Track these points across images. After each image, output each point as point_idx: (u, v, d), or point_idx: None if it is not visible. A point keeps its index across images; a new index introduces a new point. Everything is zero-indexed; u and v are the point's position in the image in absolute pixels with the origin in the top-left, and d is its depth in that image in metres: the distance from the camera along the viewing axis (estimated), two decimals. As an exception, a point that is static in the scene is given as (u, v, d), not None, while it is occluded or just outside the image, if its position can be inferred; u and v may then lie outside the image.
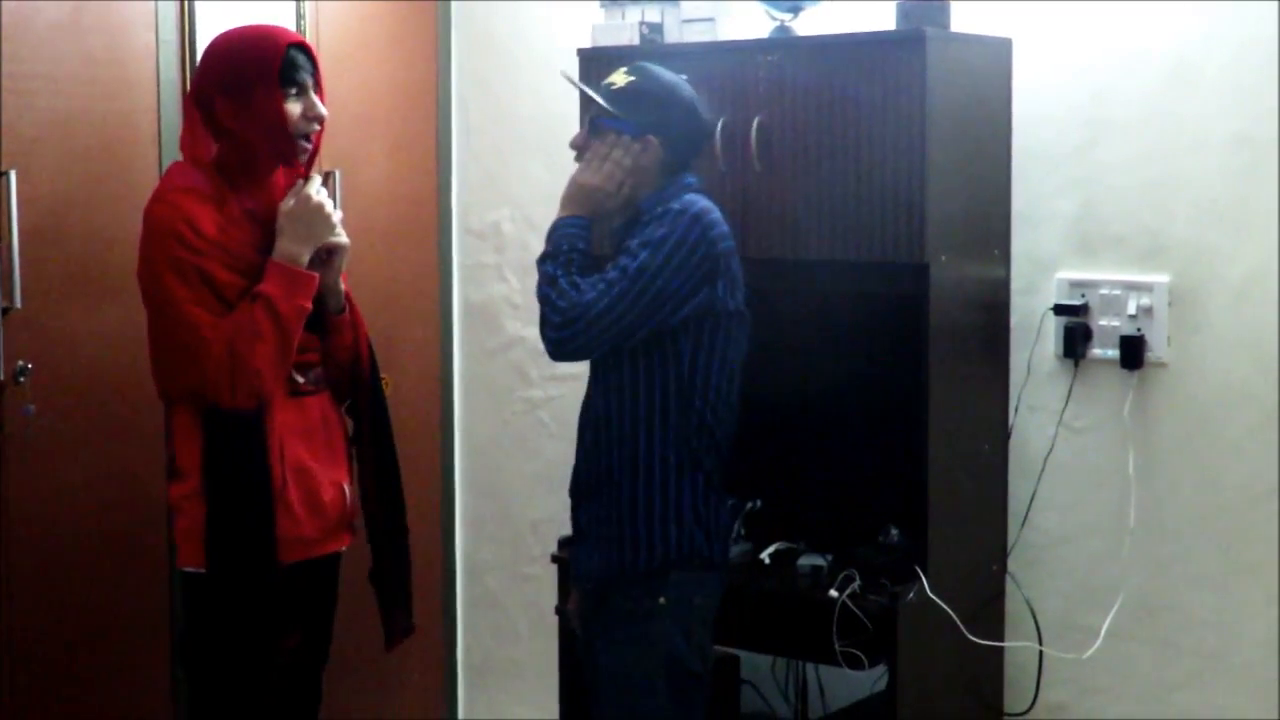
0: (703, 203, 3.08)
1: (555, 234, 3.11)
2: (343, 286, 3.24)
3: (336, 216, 3.16)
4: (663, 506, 3.09)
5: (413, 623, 3.42)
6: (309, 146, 3.12)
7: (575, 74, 3.45)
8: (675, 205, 3.06)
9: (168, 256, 2.99)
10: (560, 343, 3.02)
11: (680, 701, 3.09)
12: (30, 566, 3.57)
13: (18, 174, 3.45)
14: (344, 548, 3.28)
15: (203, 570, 3.03)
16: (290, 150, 3.09)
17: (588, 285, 2.99)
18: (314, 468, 3.16)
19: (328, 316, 3.21)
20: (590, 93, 3.16)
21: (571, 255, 3.05)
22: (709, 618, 3.16)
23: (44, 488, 3.59)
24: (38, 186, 3.52)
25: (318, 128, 3.12)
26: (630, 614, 3.09)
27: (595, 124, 3.15)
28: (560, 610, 3.60)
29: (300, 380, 3.15)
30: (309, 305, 3.08)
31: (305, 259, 3.09)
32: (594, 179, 3.12)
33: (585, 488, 3.18)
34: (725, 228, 3.09)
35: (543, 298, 3.03)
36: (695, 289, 3.04)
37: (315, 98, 3.10)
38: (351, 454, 3.32)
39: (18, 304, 3.46)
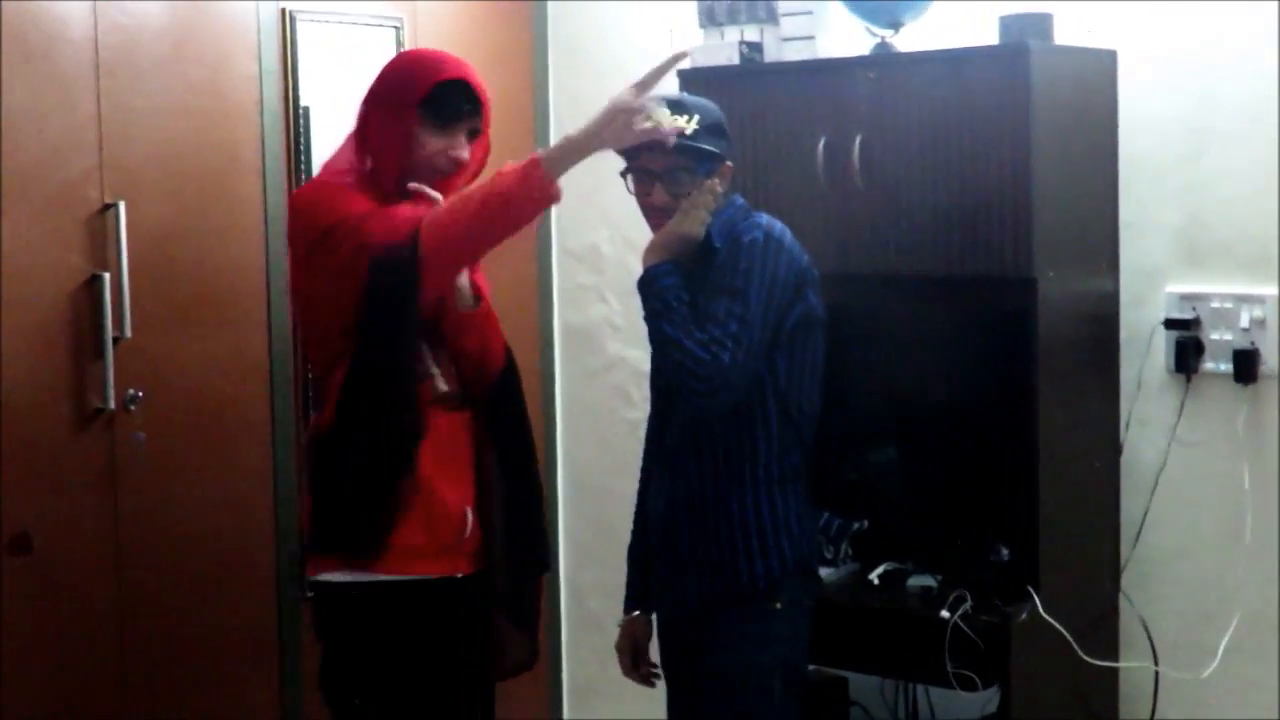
0: (771, 223, 3.12)
1: (656, 287, 3.09)
2: (466, 280, 3.11)
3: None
4: (772, 519, 3.13)
5: (537, 651, 3.33)
6: (440, 180, 3.03)
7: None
8: (750, 235, 3.09)
9: (322, 196, 2.98)
10: (710, 408, 3.06)
11: (794, 701, 3.18)
12: (141, 591, 3.61)
13: (126, 205, 3.50)
14: (461, 574, 3.09)
15: (336, 578, 2.98)
16: (400, 180, 3.00)
17: (716, 346, 3.00)
18: (437, 483, 3.04)
19: (454, 315, 3.10)
20: (703, 146, 3.13)
21: (681, 309, 3.06)
22: (810, 621, 3.25)
23: (154, 513, 3.64)
24: (145, 217, 3.57)
25: (456, 169, 3.05)
26: (746, 619, 3.13)
27: (680, 174, 3.13)
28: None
29: (442, 387, 3.06)
30: (537, 210, 2.95)
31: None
32: (693, 228, 3.11)
33: (677, 515, 3.19)
34: (794, 240, 3.13)
35: (676, 365, 3.03)
36: (791, 308, 3.09)
37: (462, 139, 3.04)
38: (477, 477, 3.18)
39: (128, 333, 3.51)
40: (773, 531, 3.14)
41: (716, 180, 3.12)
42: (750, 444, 3.13)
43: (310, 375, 3.14)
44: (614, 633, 3.46)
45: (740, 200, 3.21)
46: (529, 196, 2.89)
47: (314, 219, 2.96)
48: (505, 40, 4.47)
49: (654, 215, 3.16)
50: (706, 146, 3.11)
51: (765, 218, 3.15)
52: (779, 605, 3.13)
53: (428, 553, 3.03)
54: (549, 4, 4.58)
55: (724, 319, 3.03)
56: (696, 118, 3.11)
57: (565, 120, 4.50)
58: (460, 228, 2.89)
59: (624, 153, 3.16)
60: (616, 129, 2.94)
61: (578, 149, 2.95)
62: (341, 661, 3.03)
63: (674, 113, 3.10)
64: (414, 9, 4.15)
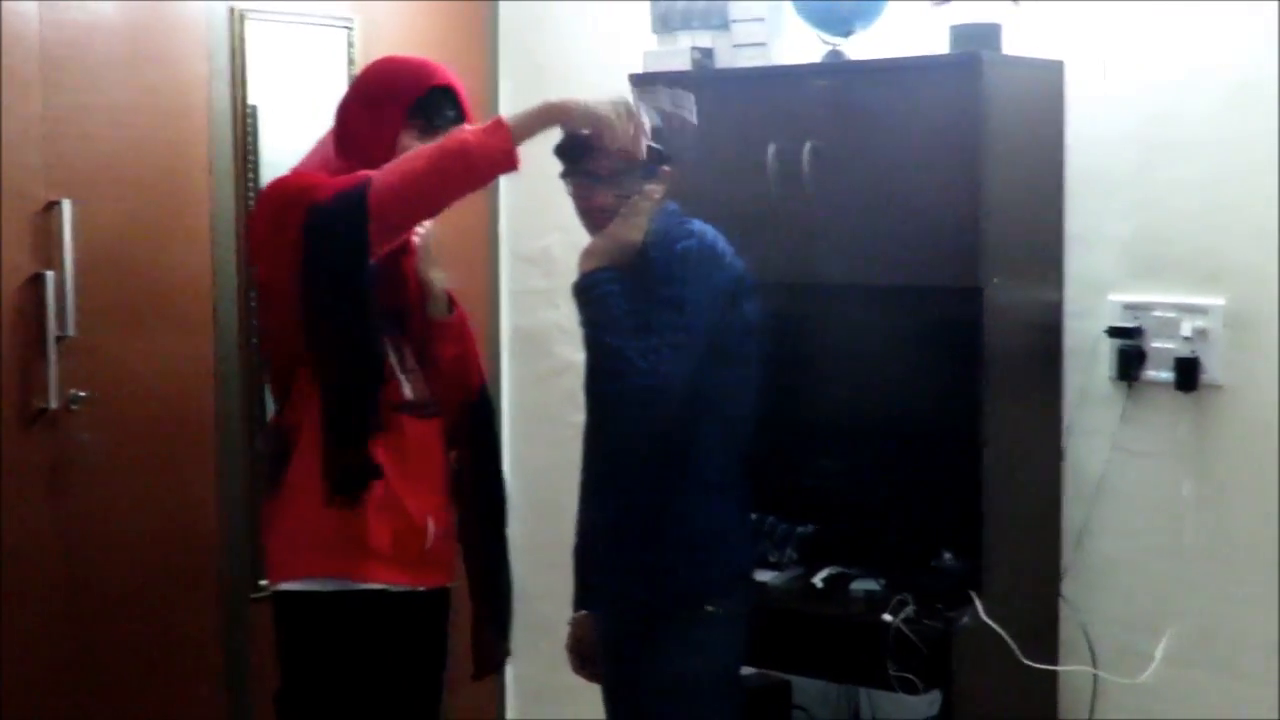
0: (705, 229, 3.13)
1: (595, 294, 3.08)
2: (442, 289, 3.15)
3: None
4: (709, 527, 3.15)
5: (509, 650, 3.38)
6: None
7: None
8: (685, 243, 3.09)
9: (281, 202, 2.91)
10: (650, 417, 3.05)
11: (732, 709, 3.21)
12: (86, 592, 3.59)
13: (75, 204, 3.49)
14: (422, 588, 3.12)
15: (298, 584, 2.97)
16: None
17: (655, 355, 2.99)
18: (399, 489, 3.03)
19: (428, 323, 3.13)
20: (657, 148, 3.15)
21: (621, 318, 3.05)
22: (747, 629, 3.26)
23: (99, 514, 3.62)
24: (92, 216, 3.55)
25: None
26: (682, 627, 3.14)
27: (626, 177, 3.12)
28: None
29: (408, 394, 3.06)
30: (493, 170, 2.92)
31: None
32: (634, 234, 3.11)
33: (615, 522, 3.21)
34: (729, 247, 3.14)
35: (616, 374, 3.02)
36: (728, 316, 3.11)
37: None
38: (448, 486, 3.20)
39: (72, 332, 3.48)
40: (709, 540, 3.15)
41: (657, 186, 3.13)
42: (688, 452, 3.13)
43: (268, 377, 3.11)
44: (564, 636, 3.47)
45: (674, 207, 3.20)
46: (488, 157, 2.88)
47: (274, 200, 2.96)
48: (457, 41, 4.46)
49: (595, 218, 3.14)
50: (656, 147, 3.12)
51: (699, 224, 3.14)
52: (715, 611, 3.14)
53: (393, 561, 3.02)
54: (500, 5, 4.58)
55: (662, 328, 3.02)
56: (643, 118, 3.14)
57: None
58: (413, 180, 2.86)
59: (565, 156, 3.15)
60: (622, 122, 2.96)
61: (544, 120, 2.95)
62: (300, 673, 3.02)
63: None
64: (365, 9, 4.14)
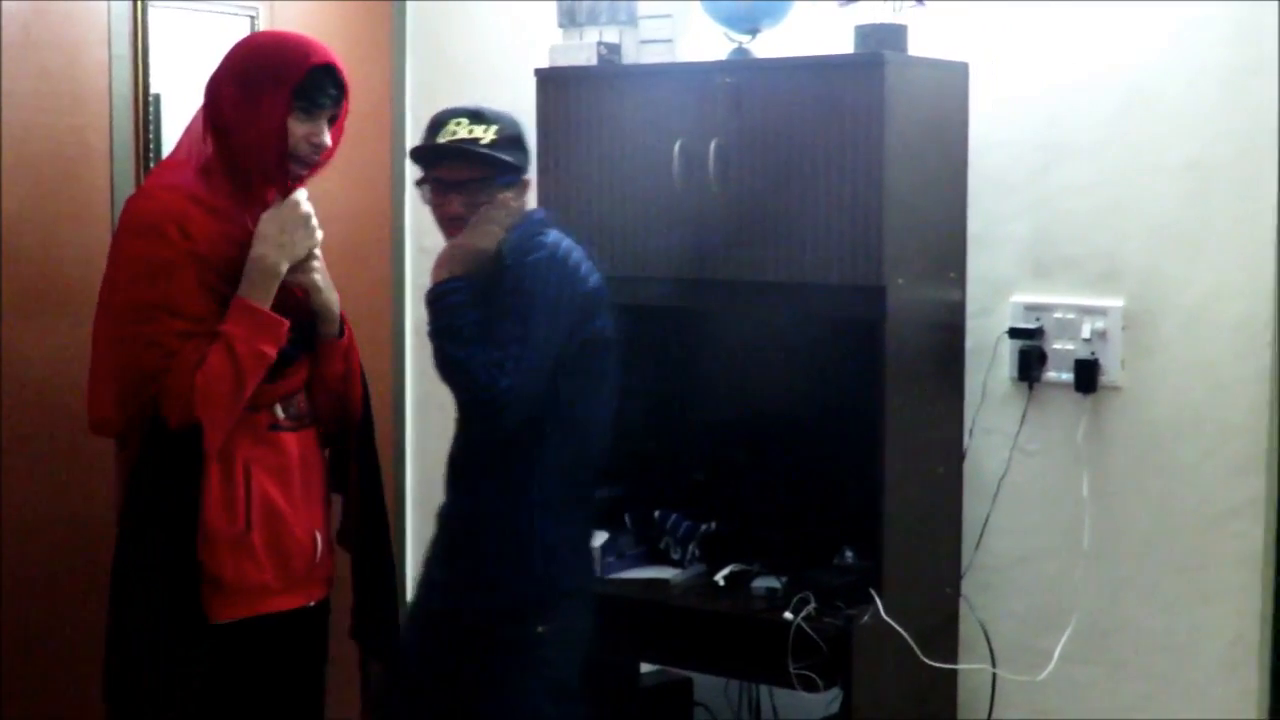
0: (559, 241, 3.15)
1: (442, 304, 3.10)
2: (337, 310, 3.10)
3: (319, 234, 3.03)
4: (544, 544, 3.17)
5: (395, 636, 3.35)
6: (303, 172, 3.00)
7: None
8: (535, 254, 3.11)
9: (147, 255, 2.84)
10: (492, 430, 3.11)
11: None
12: None
13: None
14: (312, 603, 3.11)
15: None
16: (279, 166, 2.95)
17: (496, 369, 3.02)
18: (286, 511, 3.00)
19: (319, 342, 3.10)
20: (497, 155, 3.18)
21: (465, 329, 3.07)
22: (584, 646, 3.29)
23: None
24: None
25: (318, 156, 2.99)
26: (512, 641, 3.17)
27: (477, 185, 3.16)
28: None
29: (280, 415, 3.02)
30: (272, 352, 2.91)
31: (283, 267, 2.92)
32: (485, 241, 3.13)
33: (456, 530, 3.25)
34: (586, 259, 3.17)
35: (462, 386, 3.07)
36: (578, 329, 3.13)
37: (324, 124, 2.98)
38: (329, 499, 3.19)
39: None
40: (544, 556, 3.17)
41: (511, 194, 3.15)
42: (531, 466, 3.17)
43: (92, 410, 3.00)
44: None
45: (540, 215, 3.24)
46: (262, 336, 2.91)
47: (136, 272, 2.88)
48: (364, 34, 4.46)
49: (450, 226, 3.18)
50: (505, 158, 3.14)
51: (554, 235, 3.16)
52: (543, 630, 3.16)
53: (277, 589, 3.00)
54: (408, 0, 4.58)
55: (505, 341, 3.04)
56: (495, 128, 3.15)
57: (422, 116, 4.47)
58: (220, 397, 2.86)
59: (420, 162, 3.19)
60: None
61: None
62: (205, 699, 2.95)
63: (473, 123, 3.14)
64: None
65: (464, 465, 3.26)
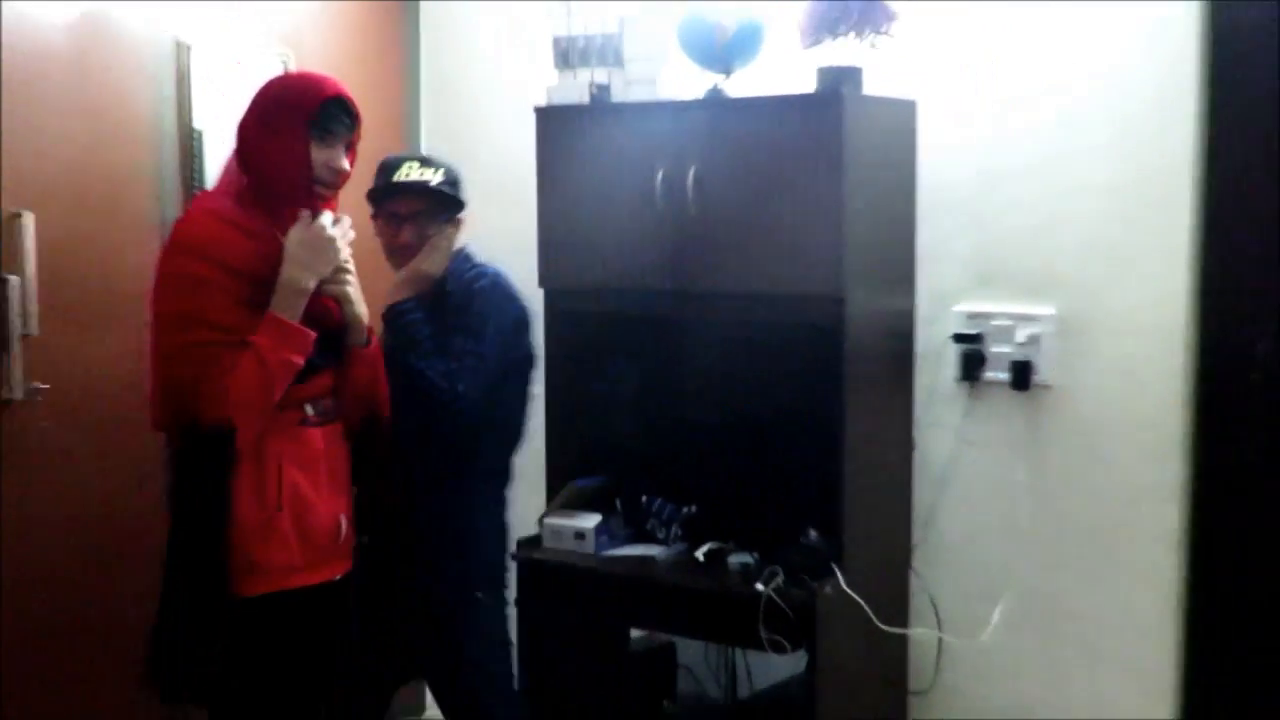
0: (494, 270, 3.50)
1: (402, 321, 3.38)
2: (365, 321, 3.16)
3: (346, 252, 3.08)
4: (471, 526, 3.53)
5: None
6: (326, 194, 3.06)
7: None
8: (482, 281, 3.47)
9: (186, 272, 2.92)
10: (449, 431, 3.41)
11: (507, 669, 3.68)
12: (23, 576, 3.56)
13: (35, 215, 3.56)
14: (337, 576, 3.14)
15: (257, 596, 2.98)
16: (306, 191, 3.01)
17: (453, 377, 3.34)
18: (312, 498, 3.05)
19: (348, 350, 3.15)
20: (450, 193, 3.53)
21: (423, 343, 3.37)
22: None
23: (53, 500, 3.64)
24: (51, 227, 3.60)
25: (338, 179, 3.06)
26: (465, 609, 3.52)
27: (426, 217, 3.48)
28: (519, 603, 3.79)
29: (309, 413, 3.07)
30: (299, 361, 2.97)
31: (309, 284, 2.99)
32: (435, 267, 3.45)
33: (412, 516, 3.50)
34: (515, 285, 3.50)
35: (420, 392, 3.33)
36: (515, 346, 3.49)
37: (341, 150, 3.04)
38: (352, 487, 3.23)
39: (34, 330, 3.57)
40: (473, 539, 3.52)
41: (452, 228, 3.47)
42: (472, 461, 3.50)
43: (151, 414, 3.07)
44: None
45: (467, 251, 3.53)
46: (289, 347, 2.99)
47: (177, 287, 2.96)
48: (382, 75, 4.55)
49: (399, 254, 3.49)
50: (453, 194, 3.45)
51: (491, 266, 3.49)
52: (483, 599, 3.53)
53: (301, 566, 3.04)
54: (422, 45, 4.68)
55: (460, 354, 3.35)
56: (442, 171, 3.47)
57: (436, 150, 4.50)
58: (257, 399, 2.95)
59: (374, 199, 3.48)
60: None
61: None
62: (234, 674, 3.00)
63: (423, 167, 3.46)
64: (299, 45, 4.21)
65: (409, 461, 3.43)
